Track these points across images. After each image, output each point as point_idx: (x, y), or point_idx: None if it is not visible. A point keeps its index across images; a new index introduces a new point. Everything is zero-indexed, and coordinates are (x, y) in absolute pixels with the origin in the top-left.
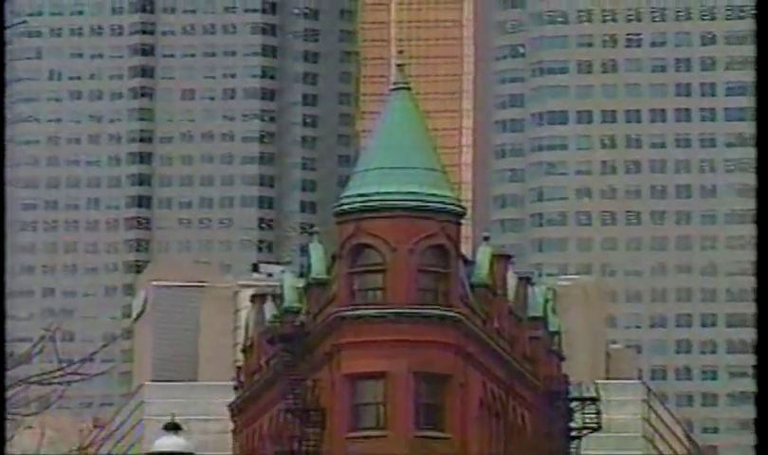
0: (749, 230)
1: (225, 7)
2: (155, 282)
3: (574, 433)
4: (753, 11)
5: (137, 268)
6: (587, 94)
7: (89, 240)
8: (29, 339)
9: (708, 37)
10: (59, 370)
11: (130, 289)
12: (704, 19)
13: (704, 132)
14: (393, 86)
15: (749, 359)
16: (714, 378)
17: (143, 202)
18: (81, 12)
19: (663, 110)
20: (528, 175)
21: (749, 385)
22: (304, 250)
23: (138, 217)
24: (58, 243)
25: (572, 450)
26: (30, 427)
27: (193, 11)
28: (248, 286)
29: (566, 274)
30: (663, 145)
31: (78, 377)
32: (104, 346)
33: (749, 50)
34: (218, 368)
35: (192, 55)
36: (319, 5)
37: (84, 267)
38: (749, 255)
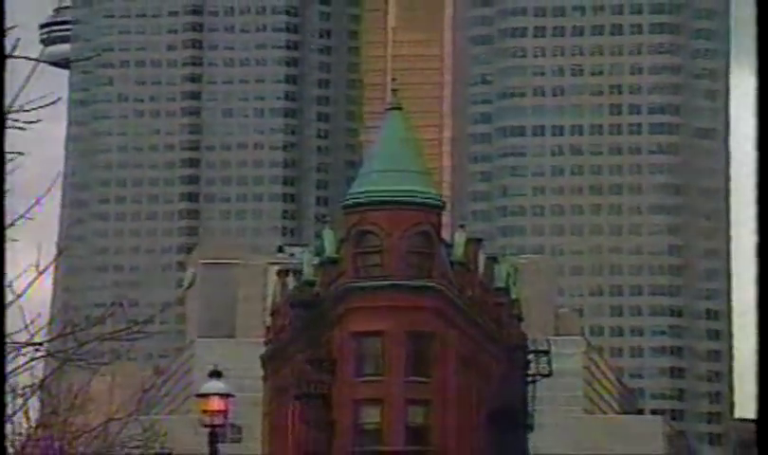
0: (668, 220)
1: (256, 45)
2: (201, 261)
3: (530, 379)
4: (670, 49)
5: (188, 249)
6: (541, 113)
7: (150, 227)
8: (103, 304)
9: (636, 68)
10: (126, 329)
11: (182, 266)
12: (631, 54)
13: (632, 142)
14: (388, 107)
15: (667, 321)
16: (641, 335)
17: (192, 197)
18: (143, 49)
19: (600, 125)
20: (495, 177)
21: (667, 341)
22: (319, 235)
23: (189, 209)
24: (125, 229)
25: (528, 392)
26: (104, 375)
27: (232, 48)
28: (275, 264)
29: (524, 254)
30: (600, 152)
31: (141, 335)
32: (162, 310)
33: (668, 78)
34: (252, 327)
35: (231, 82)
36: (331, 43)
37: (146, 249)
38: (668, 239)
